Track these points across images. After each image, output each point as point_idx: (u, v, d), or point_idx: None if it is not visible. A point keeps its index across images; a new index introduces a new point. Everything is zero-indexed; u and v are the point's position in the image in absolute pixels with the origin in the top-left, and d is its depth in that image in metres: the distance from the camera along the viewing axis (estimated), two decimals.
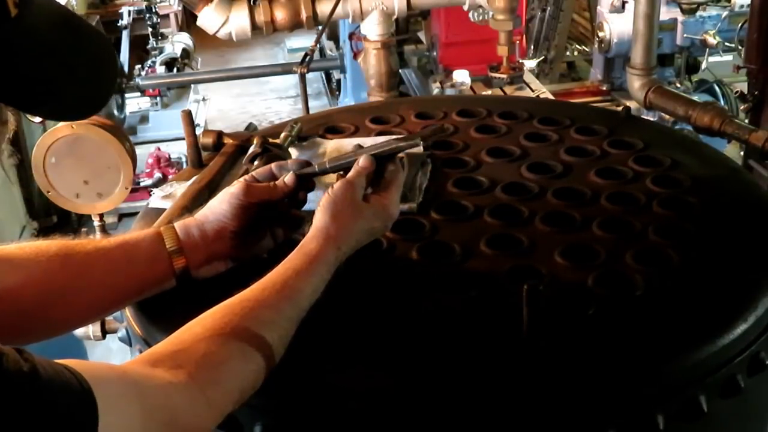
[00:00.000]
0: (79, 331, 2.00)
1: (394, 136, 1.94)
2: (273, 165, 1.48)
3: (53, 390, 0.91)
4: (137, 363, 1.10)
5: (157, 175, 5.84)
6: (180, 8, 8.17)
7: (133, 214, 4.16)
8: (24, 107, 1.00)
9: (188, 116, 1.86)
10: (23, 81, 0.95)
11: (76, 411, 0.92)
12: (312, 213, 1.37)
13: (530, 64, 5.18)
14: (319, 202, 1.35)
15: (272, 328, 1.19)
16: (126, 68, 6.29)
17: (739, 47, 4.67)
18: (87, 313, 1.38)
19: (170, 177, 4.43)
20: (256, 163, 1.71)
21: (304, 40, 7.01)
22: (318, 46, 4.31)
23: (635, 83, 3.50)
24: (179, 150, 5.88)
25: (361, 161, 1.40)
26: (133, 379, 1.04)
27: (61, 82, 1.00)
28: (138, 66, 6.69)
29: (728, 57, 5.01)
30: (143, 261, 1.36)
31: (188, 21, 8.21)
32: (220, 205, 1.41)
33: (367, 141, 1.91)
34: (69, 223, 5.76)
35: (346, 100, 6.16)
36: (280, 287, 1.24)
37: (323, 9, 3.77)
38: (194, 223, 1.41)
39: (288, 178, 1.44)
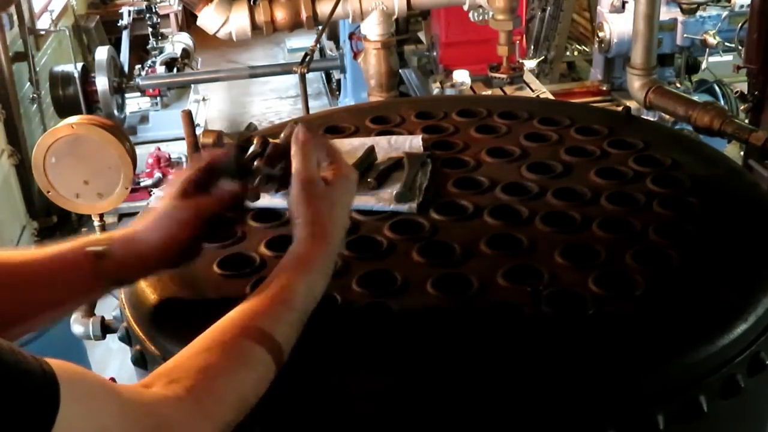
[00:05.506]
0: (79, 331, 2.00)
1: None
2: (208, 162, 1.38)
3: (8, 366, 0.91)
4: (132, 385, 1.10)
5: (157, 175, 5.85)
6: (180, 8, 8.18)
7: (133, 214, 4.16)
8: None
9: (188, 116, 1.86)
10: None
11: (31, 390, 0.91)
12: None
13: (530, 64, 5.19)
14: (290, 211, 1.32)
15: (272, 338, 1.18)
16: (126, 68, 6.30)
17: (739, 47, 4.68)
18: (6, 327, 1.27)
19: (170, 177, 4.43)
20: (255, 163, 1.71)
21: (304, 40, 7.03)
22: (318, 46, 4.32)
23: (635, 83, 3.50)
24: (179, 150, 5.89)
25: (298, 134, 1.33)
26: (117, 390, 1.03)
27: None
28: (138, 66, 6.70)
29: (728, 57, 5.02)
30: (67, 276, 1.30)
31: (188, 21, 8.23)
32: (163, 230, 1.32)
33: (367, 141, 1.91)
34: (69, 223, 5.77)
35: (346, 100, 6.18)
36: (277, 295, 1.22)
37: (323, 9, 3.77)
38: (130, 241, 1.33)
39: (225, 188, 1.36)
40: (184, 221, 1.32)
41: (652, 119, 3.80)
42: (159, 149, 6.06)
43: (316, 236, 1.29)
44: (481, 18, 3.91)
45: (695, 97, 3.65)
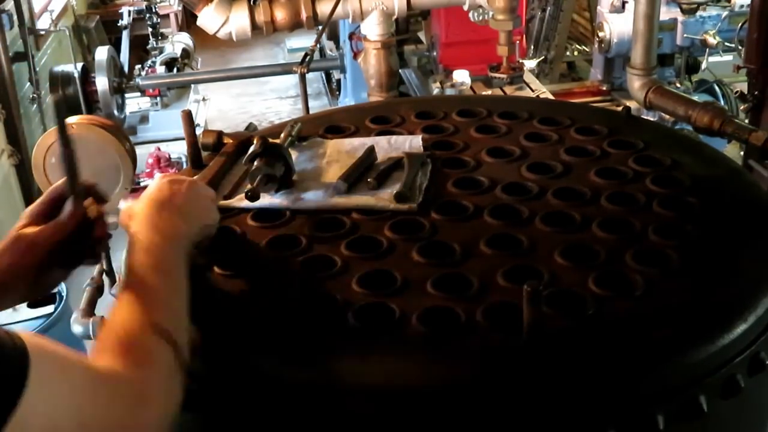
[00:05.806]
0: (79, 331, 2.00)
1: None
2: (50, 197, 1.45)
3: None
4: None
5: (157, 175, 5.84)
6: (180, 8, 8.18)
7: None
8: None
9: (188, 116, 1.86)
10: None
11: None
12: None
13: (530, 64, 5.19)
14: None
15: (159, 324, 1.19)
16: (126, 68, 6.30)
17: (739, 47, 4.67)
18: None
19: None
20: (255, 163, 1.71)
21: (304, 40, 7.03)
22: (318, 46, 4.32)
23: (635, 83, 3.50)
24: (179, 150, 5.89)
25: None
26: (87, 362, 1.08)
27: None
28: (138, 66, 6.70)
29: (728, 57, 5.01)
30: None
31: (188, 21, 8.23)
32: (5, 261, 1.36)
33: (367, 141, 1.91)
34: None
35: (346, 100, 6.17)
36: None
37: (323, 9, 3.77)
38: None
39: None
40: (26, 250, 1.36)
41: (652, 119, 3.80)
42: (159, 149, 6.05)
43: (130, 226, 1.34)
44: (481, 18, 3.91)
45: (695, 97, 3.65)
